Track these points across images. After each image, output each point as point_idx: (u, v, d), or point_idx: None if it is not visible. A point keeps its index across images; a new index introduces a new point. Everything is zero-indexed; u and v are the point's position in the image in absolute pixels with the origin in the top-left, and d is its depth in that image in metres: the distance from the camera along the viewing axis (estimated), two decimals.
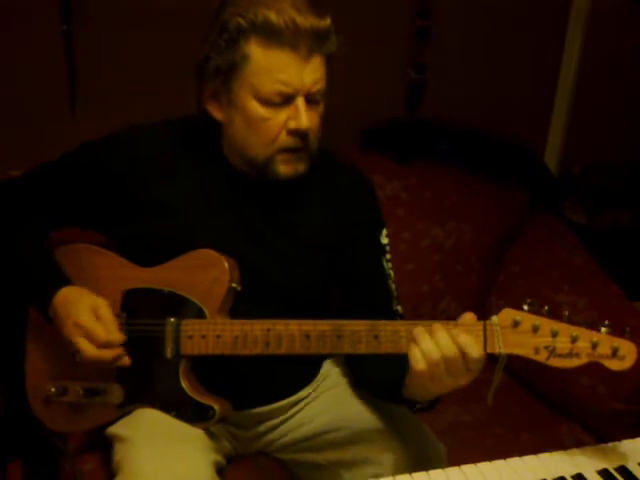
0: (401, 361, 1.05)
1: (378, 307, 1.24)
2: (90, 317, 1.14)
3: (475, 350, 1.00)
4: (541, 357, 1.01)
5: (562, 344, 1.01)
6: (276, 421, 1.30)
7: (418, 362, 1.01)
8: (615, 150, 2.40)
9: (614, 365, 1.00)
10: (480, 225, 1.91)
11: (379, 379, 1.19)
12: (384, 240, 1.28)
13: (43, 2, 1.72)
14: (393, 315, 1.26)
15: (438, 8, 2.02)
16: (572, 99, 2.31)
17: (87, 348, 1.13)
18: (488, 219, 1.93)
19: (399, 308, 1.28)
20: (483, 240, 1.92)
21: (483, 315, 1.97)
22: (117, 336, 1.15)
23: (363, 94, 1.93)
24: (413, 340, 1.02)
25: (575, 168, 2.33)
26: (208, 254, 1.17)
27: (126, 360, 1.16)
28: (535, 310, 1.02)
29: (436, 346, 1.00)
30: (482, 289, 1.91)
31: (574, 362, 1.01)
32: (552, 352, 1.00)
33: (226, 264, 1.16)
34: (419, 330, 1.02)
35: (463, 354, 1.00)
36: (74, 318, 1.14)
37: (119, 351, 1.15)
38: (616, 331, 1.00)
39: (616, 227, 2.17)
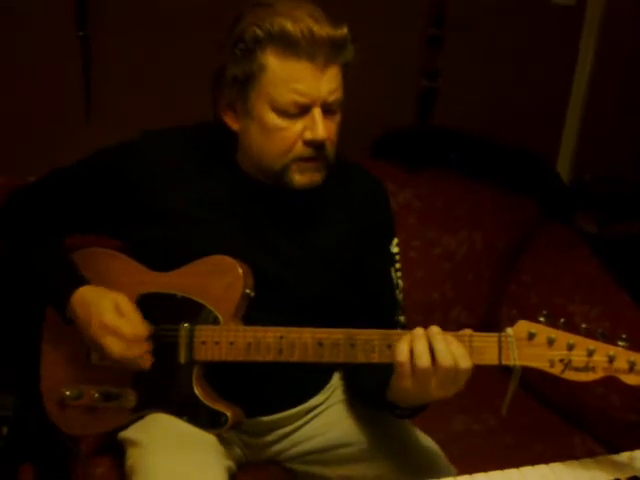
0: (389, 365, 1.06)
1: (380, 315, 1.24)
2: (114, 315, 1.15)
3: (465, 361, 1.00)
4: (556, 370, 1.01)
5: (578, 357, 1.00)
6: (287, 430, 1.30)
7: (401, 354, 1.01)
8: (627, 160, 2.39)
9: (631, 380, 1.00)
10: (492, 234, 1.92)
11: (367, 381, 1.19)
12: (394, 250, 1.28)
13: (59, 8, 1.74)
14: (394, 325, 1.26)
15: (451, 16, 2.02)
16: (584, 108, 2.31)
17: (116, 346, 1.14)
18: (500, 228, 1.93)
19: (402, 319, 1.28)
20: (494, 249, 1.92)
21: (494, 325, 1.97)
22: (143, 329, 1.16)
23: (375, 102, 1.93)
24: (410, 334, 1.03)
25: (587, 177, 2.33)
26: (222, 260, 1.17)
27: (149, 361, 1.17)
28: (551, 322, 1.01)
29: (427, 350, 1.00)
30: (493, 298, 1.91)
31: (590, 376, 1.00)
32: (567, 365, 1.00)
33: (240, 270, 1.16)
34: (419, 331, 1.03)
35: (455, 363, 1.00)
36: (98, 318, 1.15)
37: (146, 346, 1.16)
38: (634, 345, 1.00)
39: (627, 237, 2.16)
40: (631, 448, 1.19)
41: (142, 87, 1.84)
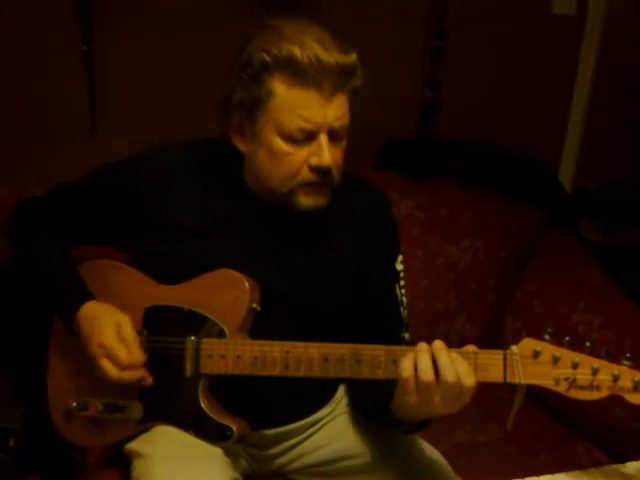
0: (392, 381, 1.06)
1: (384, 332, 1.24)
2: (113, 338, 1.16)
3: (469, 379, 1.01)
4: (561, 388, 1.02)
5: (583, 376, 1.01)
6: (292, 442, 1.30)
7: (405, 370, 1.02)
8: (630, 167, 2.39)
9: (635, 399, 1.01)
10: (495, 243, 1.92)
11: (370, 395, 1.19)
12: (399, 267, 1.29)
13: (63, 22, 1.74)
14: (399, 342, 1.26)
15: (453, 28, 2.04)
16: (586, 116, 2.32)
17: (110, 370, 1.15)
18: (503, 237, 1.93)
19: (406, 335, 1.28)
20: (498, 258, 1.92)
21: (498, 335, 1.95)
22: (138, 358, 1.16)
23: (378, 112, 1.93)
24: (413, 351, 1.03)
25: (590, 185, 2.33)
26: (229, 274, 1.18)
27: (148, 380, 1.18)
28: (556, 340, 1.02)
29: (430, 365, 1.01)
30: (497, 307, 1.91)
31: (594, 394, 1.01)
32: (572, 384, 1.01)
33: (247, 284, 1.17)
34: (422, 347, 1.03)
35: (459, 380, 1.00)
36: (97, 338, 1.16)
37: (140, 372, 1.17)
38: (638, 364, 1.00)
39: (632, 245, 2.16)
40: (637, 458, 1.19)
41: (146, 100, 1.84)
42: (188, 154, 1.25)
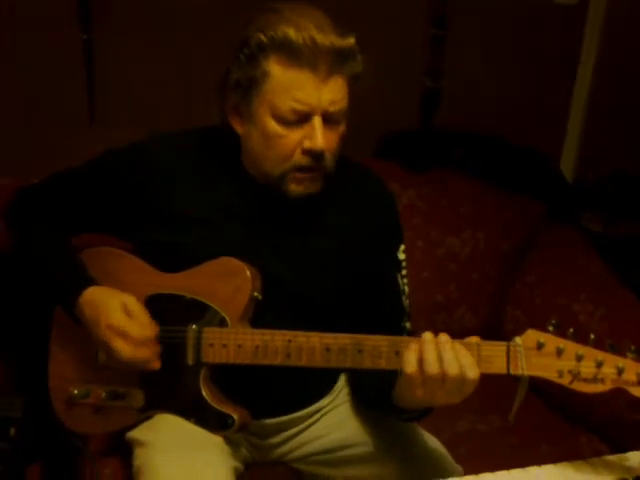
0: (393, 371, 1.06)
1: (386, 321, 1.24)
2: (122, 316, 1.15)
3: (472, 371, 1.00)
4: (564, 381, 1.01)
5: (587, 368, 1.00)
6: (293, 431, 1.31)
7: (409, 365, 1.02)
8: (631, 160, 2.39)
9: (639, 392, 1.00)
10: (496, 234, 1.92)
11: (372, 385, 1.19)
12: (401, 256, 1.28)
13: (63, 12, 1.73)
14: (400, 332, 1.26)
15: (453, 16, 2.03)
16: (587, 107, 2.31)
17: (124, 349, 1.14)
18: (504, 228, 1.93)
19: (408, 325, 1.28)
20: (499, 249, 1.92)
21: (498, 326, 1.96)
22: (151, 330, 1.16)
23: (378, 102, 1.93)
24: (418, 343, 1.03)
25: (590, 177, 2.32)
26: (231, 262, 1.18)
27: (157, 363, 1.17)
28: (560, 332, 1.01)
29: (436, 358, 1.00)
30: (497, 299, 1.91)
31: (598, 387, 1.00)
32: (576, 376, 1.00)
33: (248, 273, 1.17)
34: (427, 337, 1.03)
35: (462, 372, 1.00)
36: (106, 320, 1.15)
37: (155, 347, 1.16)
38: None
39: (633, 236, 2.16)
40: (638, 448, 1.19)
41: (145, 90, 1.84)
42: (189, 141, 1.25)
